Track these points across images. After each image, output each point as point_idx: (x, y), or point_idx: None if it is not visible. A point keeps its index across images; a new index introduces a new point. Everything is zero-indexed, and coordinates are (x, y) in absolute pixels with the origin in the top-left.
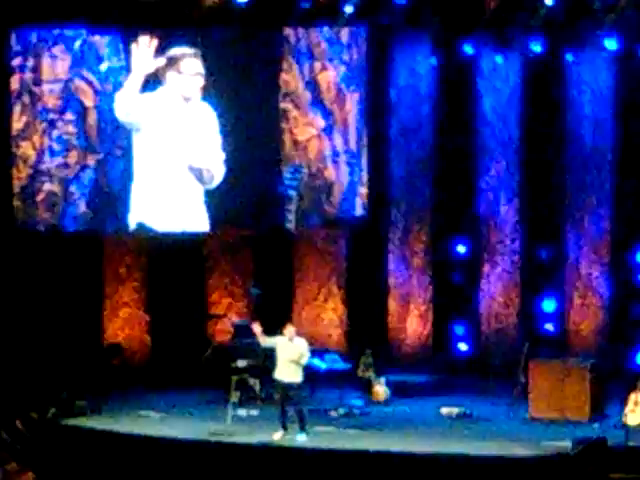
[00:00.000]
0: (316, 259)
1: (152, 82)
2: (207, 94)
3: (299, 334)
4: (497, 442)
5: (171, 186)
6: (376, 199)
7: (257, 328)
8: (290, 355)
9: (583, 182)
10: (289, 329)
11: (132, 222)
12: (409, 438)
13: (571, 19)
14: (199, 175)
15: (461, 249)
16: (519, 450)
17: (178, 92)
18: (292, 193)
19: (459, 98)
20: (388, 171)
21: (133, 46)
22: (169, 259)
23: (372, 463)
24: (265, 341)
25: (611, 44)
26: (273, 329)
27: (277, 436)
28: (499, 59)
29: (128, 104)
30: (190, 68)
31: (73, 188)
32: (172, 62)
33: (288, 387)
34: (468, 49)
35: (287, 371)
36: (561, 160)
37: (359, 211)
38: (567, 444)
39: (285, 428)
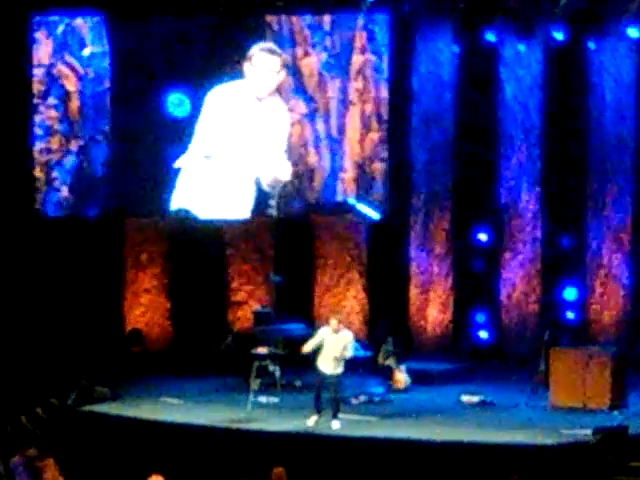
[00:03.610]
0: (337, 246)
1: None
2: (193, 81)
3: (320, 321)
4: (517, 430)
5: (222, 179)
6: (397, 186)
7: (308, 348)
8: (333, 349)
9: (605, 170)
10: (332, 321)
11: (174, 206)
12: (429, 426)
13: (593, 7)
14: (261, 185)
15: (482, 237)
16: (539, 438)
17: (251, 89)
18: None
19: (481, 86)
20: (409, 158)
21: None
22: (190, 246)
23: (392, 450)
24: (314, 343)
25: (633, 32)
26: (293, 316)
27: (311, 421)
28: (521, 47)
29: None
30: (262, 63)
31: (55, 173)
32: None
33: (328, 377)
34: (490, 37)
35: (331, 363)
36: (583, 148)
37: (340, 197)
38: (588, 432)
39: (320, 414)
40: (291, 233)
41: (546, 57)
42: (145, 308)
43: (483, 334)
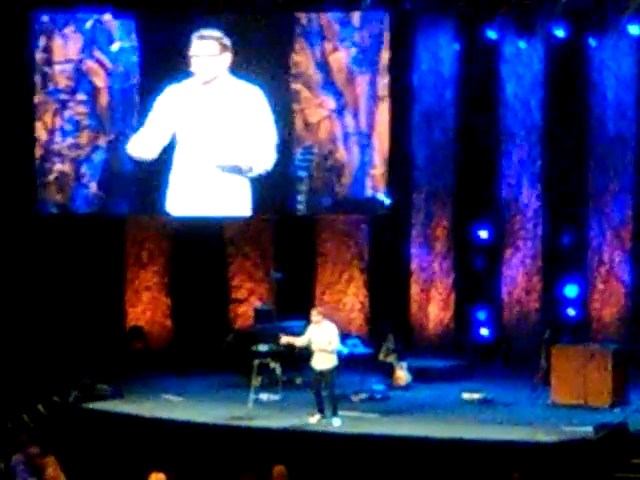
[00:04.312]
0: (338, 243)
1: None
2: None
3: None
4: (518, 427)
5: (208, 177)
6: (398, 184)
7: (285, 339)
8: (319, 344)
9: (606, 167)
10: (313, 313)
11: (168, 207)
12: (430, 423)
13: (594, 4)
14: (233, 171)
15: (483, 234)
16: (540, 435)
17: (197, 78)
18: (303, 174)
19: (482, 83)
20: (410, 156)
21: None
22: (191, 243)
23: (393, 448)
24: (302, 340)
25: (634, 29)
26: (294, 313)
27: (314, 419)
28: (522, 44)
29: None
30: (198, 50)
31: (84, 169)
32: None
33: (321, 374)
34: (491, 34)
35: (320, 359)
36: (584, 145)
37: (369, 192)
38: (589, 429)
39: (322, 412)
40: (292, 230)
41: (547, 54)
42: (146, 305)
43: (484, 331)
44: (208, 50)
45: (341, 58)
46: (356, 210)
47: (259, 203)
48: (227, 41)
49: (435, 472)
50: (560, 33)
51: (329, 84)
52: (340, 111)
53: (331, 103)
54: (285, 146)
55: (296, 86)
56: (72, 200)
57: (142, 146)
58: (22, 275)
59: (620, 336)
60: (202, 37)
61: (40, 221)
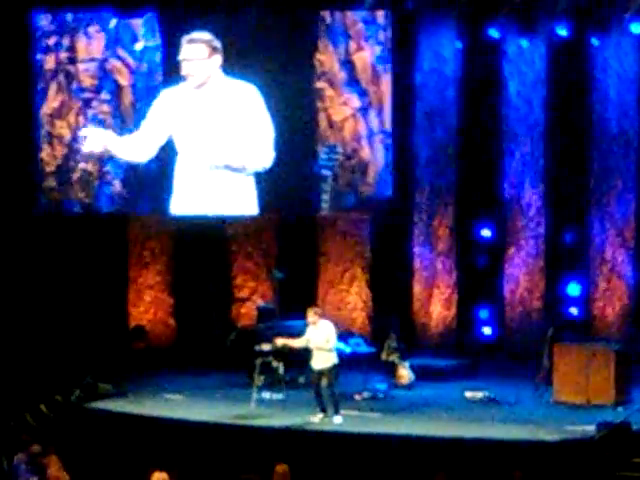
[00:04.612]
0: (340, 242)
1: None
2: (243, 75)
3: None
4: (521, 426)
5: (212, 177)
6: (401, 182)
7: (280, 342)
8: (317, 342)
9: (608, 166)
10: (309, 314)
11: (174, 207)
12: (433, 422)
13: (596, 3)
14: (226, 170)
15: (486, 233)
16: (543, 434)
17: (189, 81)
18: (327, 173)
19: (484, 82)
20: (413, 154)
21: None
22: (194, 242)
23: (395, 447)
24: (300, 342)
25: (636, 28)
26: (297, 312)
27: (316, 419)
28: (524, 43)
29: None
30: (188, 54)
31: (108, 167)
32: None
33: (320, 373)
34: (493, 33)
35: (318, 358)
36: (586, 144)
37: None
38: (591, 428)
39: (324, 412)
40: (294, 229)
41: (549, 53)
42: (149, 305)
43: (487, 330)
44: (197, 54)
45: (365, 57)
46: (380, 209)
47: (268, 202)
48: (217, 43)
49: (437, 471)
50: (562, 32)
51: (353, 82)
52: (364, 110)
53: (355, 102)
54: (308, 145)
55: (320, 85)
56: (96, 199)
57: (135, 149)
58: (24, 275)
59: (623, 335)
60: (192, 41)
61: (42, 221)
